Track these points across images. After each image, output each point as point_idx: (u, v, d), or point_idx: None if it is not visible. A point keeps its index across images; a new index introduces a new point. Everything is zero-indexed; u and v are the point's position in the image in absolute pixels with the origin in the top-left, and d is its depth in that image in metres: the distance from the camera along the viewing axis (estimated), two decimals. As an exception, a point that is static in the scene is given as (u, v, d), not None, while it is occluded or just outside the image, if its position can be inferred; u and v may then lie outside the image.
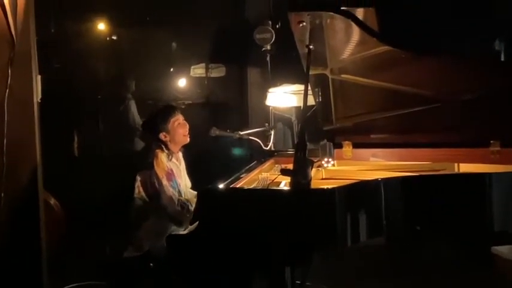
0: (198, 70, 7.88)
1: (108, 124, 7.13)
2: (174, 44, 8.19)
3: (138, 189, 4.33)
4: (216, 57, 7.68)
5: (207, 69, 7.74)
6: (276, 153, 5.00)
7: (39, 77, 4.58)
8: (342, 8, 3.86)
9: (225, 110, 7.58)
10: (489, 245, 5.25)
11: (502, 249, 5.47)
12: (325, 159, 4.37)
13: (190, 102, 7.93)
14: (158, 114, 4.52)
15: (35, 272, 4.69)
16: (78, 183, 6.55)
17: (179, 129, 4.46)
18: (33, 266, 4.68)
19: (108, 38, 7.68)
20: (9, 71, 4.43)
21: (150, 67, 7.78)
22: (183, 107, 7.83)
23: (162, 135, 4.42)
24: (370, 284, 5.52)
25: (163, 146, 4.43)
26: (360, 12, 3.97)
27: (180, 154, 4.59)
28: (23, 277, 4.65)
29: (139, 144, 7.29)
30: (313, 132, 4.59)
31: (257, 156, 4.95)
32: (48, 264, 4.78)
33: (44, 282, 4.74)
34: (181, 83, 8.08)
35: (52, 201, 5.78)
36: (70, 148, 7.11)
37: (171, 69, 8.15)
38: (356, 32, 4.02)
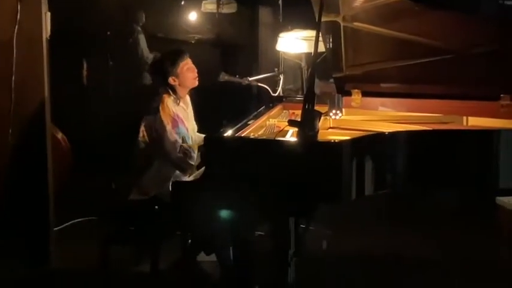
0: (209, 5, 7.81)
1: (117, 59, 7.10)
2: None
3: (143, 133, 4.32)
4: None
5: (218, 4, 7.66)
6: (284, 99, 5.00)
7: (48, 13, 4.55)
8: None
9: (234, 47, 7.52)
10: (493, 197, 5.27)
11: (505, 200, 5.48)
12: (333, 111, 4.35)
13: (200, 37, 7.88)
14: (167, 57, 4.46)
15: (41, 206, 4.75)
16: (86, 118, 6.58)
17: (188, 73, 4.43)
18: (39, 200, 4.74)
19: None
20: (19, 8, 4.40)
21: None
22: (193, 42, 7.81)
23: (171, 79, 4.38)
24: (373, 229, 5.57)
25: (170, 91, 4.40)
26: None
27: (188, 98, 4.57)
28: (29, 211, 4.71)
29: (148, 79, 7.27)
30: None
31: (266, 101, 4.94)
32: (55, 199, 4.84)
33: (50, 216, 4.81)
34: (192, 17, 8.00)
35: (59, 135, 5.81)
36: (78, 83, 7.09)
37: (182, 3, 8.07)
38: (370, -20, 3.97)
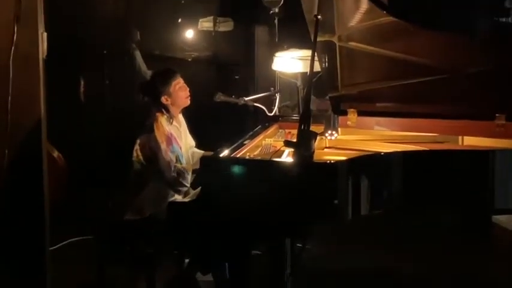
0: (205, 23, 7.81)
1: (113, 78, 7.11)
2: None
3: (136, 153, 4.31)
4: (224, 11, 7.63)
5: (215, 22, 7.67)
6: (280, 118, 5.01)
7: (45, 34, 4.55)
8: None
9: (231, 65, 7.55)
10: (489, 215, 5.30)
11: (501, 218, 5.51)
12: (329, 132, 4.36)
13: (197, 54, 7.90)
14: (159, 77, 4.48)
15: (37, 225, 4.73)
16: (82, 136, 6.57)
17: (180, 92, 4.44)
18: (35, 219, 4.72)
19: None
20: (15, 28, 4.40)
21: (158, 17, 7.72)
22: (189, 59, 7.83)
23: (163, 99, 4.39)
24: (369, 248, 5.57)
25: (163, 110, 4.41)
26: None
27: (181, 116, 4.58)
28: (25, 230, 4.69)
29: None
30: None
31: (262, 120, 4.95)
32: (50, 218, 4.83)
33: (46, 235, 4.79)
34: (189, 34, 8.03)
35: (55, 154, 5.81)
36: (75, 102, 7.10)
37: (179, 21, 8.09)
38: (365, 2, 3.99)
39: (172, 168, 4.25)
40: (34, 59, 4.50)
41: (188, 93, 4.48)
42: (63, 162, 5.89)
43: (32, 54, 4.49)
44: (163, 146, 4.25)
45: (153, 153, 4.25)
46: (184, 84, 4.48)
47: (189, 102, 4.50)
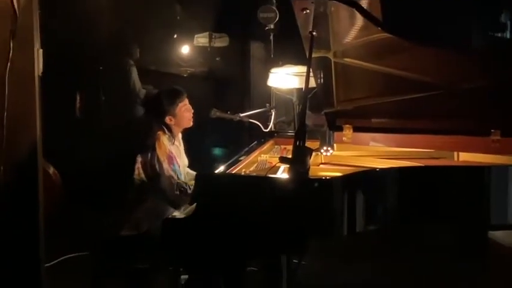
0: (201, 39, 7.85)
1: (109, 94, 7.11)
2: (178, 10, 8.16)
3: (138, 171, 4.30)
4: (219, 27, 7.66)
5: (210, 38, 7.70)
6: (275, 134, 5.01)
7: (41, 50, 4.55)
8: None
9: (226, 81, 7.57)
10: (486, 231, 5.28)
11: (498, 234, 5.50)
12: (324, 148, 4.36)
13: (192, 70, 7.92)
14: (165, 97, 4.44)
15: (32, 241, 4.72)
16: (78, 153, 6.57)
17: (186, 114, 4.42)
18: (31, 236, 4.70)
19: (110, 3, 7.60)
20: (11, 45, 4.40)
21: (154, 33, 7.74)
22: (185, 75, 7.85)
23: (167, 119, 4.37)
24: (365, 264, 5.56)
25: (165, 128, 4.40)
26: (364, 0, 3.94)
27: (180, 135, 4.57)
28: (21, 246, 4.68)
29: (140, 111, 7.27)
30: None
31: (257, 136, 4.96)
32: (46, 234, 4.82)
33: (41, 252, 4.77)
34: (184, 50, 8.05)
35: (51, 170, 5.81)
36: (71, 118, 7.10)
37: (175, 36, 8.12)
38: (360, 19, 3.99)
39: (175, 186, 4.24)
40: (30, 75, 4.50)
41: (191, 115, 4.46)
42: (58, 179, 5.89)
43: (28, 70, 4.49)
44: (165, 164, 4.24)
45: (154, 171, 4.24)
46: (189, 106, 4.45)
47: (191, 123, 4.48)
